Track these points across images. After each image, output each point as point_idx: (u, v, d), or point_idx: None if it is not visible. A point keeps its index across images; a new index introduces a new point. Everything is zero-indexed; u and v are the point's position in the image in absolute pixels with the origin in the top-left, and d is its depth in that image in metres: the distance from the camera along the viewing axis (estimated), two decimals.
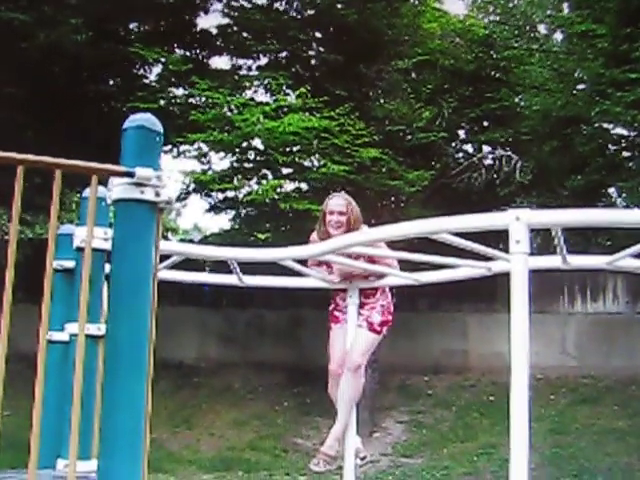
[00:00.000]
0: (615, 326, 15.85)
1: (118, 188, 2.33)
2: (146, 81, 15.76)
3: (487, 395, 14.82)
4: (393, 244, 4.05)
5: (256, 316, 16.53)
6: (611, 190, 17.66)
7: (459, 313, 15.97)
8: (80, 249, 3.37)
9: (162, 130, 2.43)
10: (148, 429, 2.39)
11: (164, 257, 3.72)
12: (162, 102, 14.06)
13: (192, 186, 15.00)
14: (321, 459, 5.74)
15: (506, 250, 3.82)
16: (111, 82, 15.99)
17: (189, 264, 4.93)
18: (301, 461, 12.99)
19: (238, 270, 4.66)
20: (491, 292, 14.16)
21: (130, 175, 2.30)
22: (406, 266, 5.21)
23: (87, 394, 2.69)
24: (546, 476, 11.52)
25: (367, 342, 5.80)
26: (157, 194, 2.35)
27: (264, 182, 14.11)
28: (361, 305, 5.65)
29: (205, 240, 16.33)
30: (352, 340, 5.56)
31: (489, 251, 3.75)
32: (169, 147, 15.25)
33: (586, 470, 12.33)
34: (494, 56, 16.88)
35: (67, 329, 3.41)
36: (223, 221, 34.06)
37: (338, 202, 5.74)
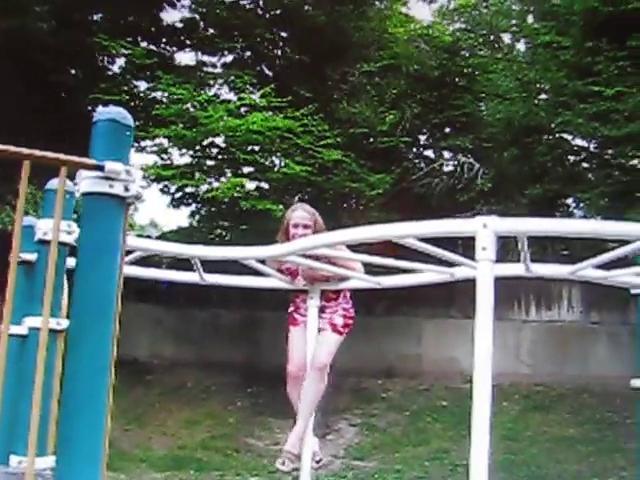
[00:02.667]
0: (569, 335, 16.02)
1: (87, 181, 2.29)
2: (109, 73, 15.64)
3: (440, 400, 14.89)
4: (355, 248, 4.04)
5: (212, 315, 16.45)
6: (569, 200, 17.83)
7: (415, 318, 16.02)
8: (42, 242, 3.32)
9: (132, 124, 2.40)
10: (109, 427, 2.36)
11: (126, 252, 3.69)
12: (125, 95, 13.92)
13: (151, 180, 14.89)
14: (286, 458, 5.73)
15: (466, 256, 3.84)
16: (74, 72, 15.81)
17: (145, 260, 4.88)
18: (253, 461, 12.95)
19: (200, 268, 4.62)
20: (448, 298, 14.26)
21: (100, 169, 2.26)
22: (366, 270, 5.20)
23: (44, 390, 2.64)
24: None
25: (332, 343, 5.79)
26: (126, 189, 2.32)
27: (224, 180, 14.06)
28: (322, 309, 5.62)
29: (163, 237, 16.21)
30: (316, 342, 5.52)
31: (454, 257, 3.76)
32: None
33: (537, 477, 12.44)
34: (459, 63, 16.99)
35: (26, 322, 3.35)
36: (181, 218, 33.91)
37: (302, 215, 5.58)
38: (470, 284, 3.06)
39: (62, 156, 2.25)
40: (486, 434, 2.83)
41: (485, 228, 2.96)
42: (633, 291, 4.93)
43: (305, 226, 5.44)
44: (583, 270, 4.28)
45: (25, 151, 2.20)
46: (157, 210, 51.16)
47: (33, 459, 2.28)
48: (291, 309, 6.08)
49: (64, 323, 3.20)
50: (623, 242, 3.85)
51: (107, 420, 2.35)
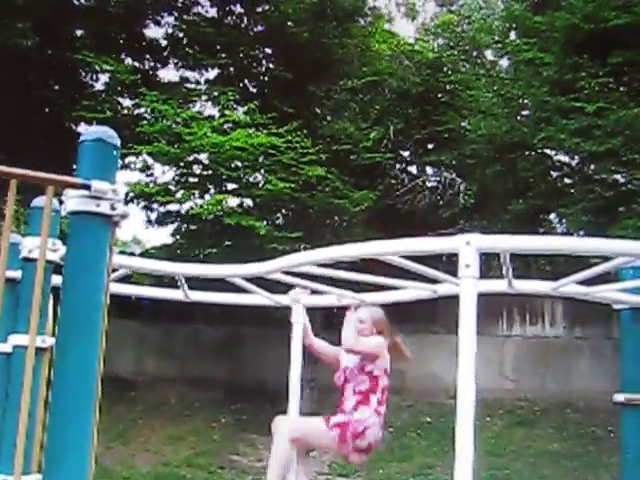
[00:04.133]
0: (552, 350, 16.07)
1: (73, 200, 2.30)
2: (93, 90, 15.64)
3: (424, 416, 14.89)
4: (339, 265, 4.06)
5: (195, 331, 16.41)
6: (552, 216, 17.91)
7: (397, 334, 16.01)
8: (27, 259, 3.32)
9: (119, 143, 2.42)
10: (95, 444, 2.37)
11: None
12: (108, 112, 13.92)
13: (133, 198, 14.86)
14: None
15: (449, 271, 3.87)
16: (57, 87, 15.79)
17: (129, 277, 4.88)
18: (237, 478, 12.91)
19: (185, 285, 4.62)
20: (430, 313, 14.28)
21: (86, 187, 2.28)
22: (349, 287, 5.22)
23: (29, 407, 2.63)
24: None
25: (314, 427, 5.79)
26: (112, 207, 2.33)
27: (208, 197, 14.06)
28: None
29: (146, 254, 16.16)
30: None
31: (437, 274, 3.78)
32: None
33: None
34: (441, 79, 17.07)
35: (11, 340, 3.34)
36: (163, 234, 33.74)
37: (361, 311, 5.78)
38: (452, 299, 3.09)
39: (49, 175, 2.27)
40: (470, 449, 2.85)
41: (468, 245, 2.99)
42: (615, 306, 4.97)
43: (361, 321, 5.71)
44: (565, 286, 4.31)
45: (12, 170, 2.21)
46: (140, 227, 50.94)
47: (19, 478, 2.28)
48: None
49: (49, 341, 3.21)
50: (606, 258, 3.90)
51: (94, 436, 2.36)
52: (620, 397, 4.89)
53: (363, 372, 5.87)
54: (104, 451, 13.27)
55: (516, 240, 3.22)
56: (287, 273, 4.34)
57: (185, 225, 15.14)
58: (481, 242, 3.02)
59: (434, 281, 4.37)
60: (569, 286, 4.36)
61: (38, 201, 3.19)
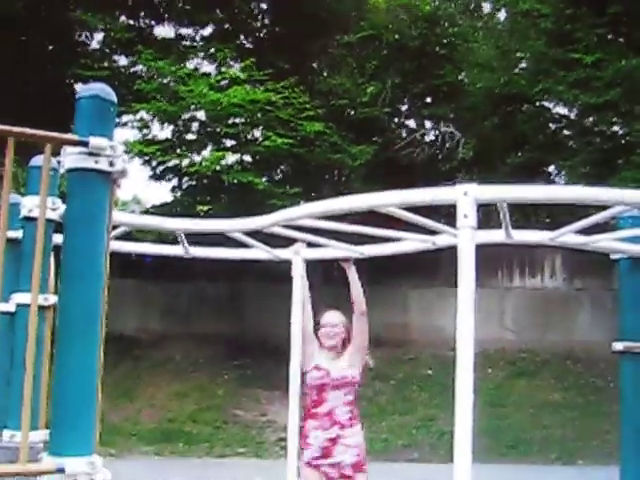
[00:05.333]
0: (552, 301, 16.14)
1: (71, 157, 2.30)
2: (89, 49, 15.53)
3: (426, 368, 15.00)
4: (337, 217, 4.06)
5: (197, 289, 16.47)
6: (550, 168, 17.89)
7: (400, 287, 16.09)
8: (27, 219, 3.33)
9: (116, 100, 2.41)
10: (100, 399, 2.40)
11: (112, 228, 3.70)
12: (105, 71, 13.84)
13: (132, 156, 14.83)
14: None
15: (447, 224, 3.88)
16: (51, 48, 15.67)
17: (129, 235, 4.88)
18: (241, 432, 13.05)
19: (185, 242, 4.64)
20: (432, 267, 14.31)
21: (84, 144, 2.28)
22: (349, 240, 5.23)
23: (35, 365, 2.66)
24: (483, 447, 11.73)
25: None
26: (111, 164, 2.33)
27: (206, 154, 14.04)
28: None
29: (146, 212, 16.19)
30: None
31: (435, 225, 3.79)
32: None
33: (522, 441, 12.61)
34: (439, 33, 16.95)
35: (13, 299, 3.36)
36: (163, 193, 33.69)
37: (331, 315, 5.90)
38: (454, 253, 3.10)
39: (47, 133, 2.26)
40: (470, 401, 2.88)
41: (466, 196, 2.99)
42: (613, 256, 4.98)
43: (333, 325, 5.79)
44: (564, 236, 4.32)
45: (9, 128, 2.21)
46: (139, 186, 50.85)
47: (27, 433, 2.32)
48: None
49: (52, 299, 3.22)
50: (604, 208, 3.90)
51: (98, 392, 2.39)
52: (619, 346, 4.92)
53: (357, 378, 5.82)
54: (110, 408, 13.39)
55: (514, 190, 3.22)
56: (286, 227, 4.34)
57: (184, 182, 15.13)
58: (479, 192, 3.03)
59: (433, 233, 4.37)
60: (567, 236, 4.36)
61: (36, 160, 3.19)
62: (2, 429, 3.25)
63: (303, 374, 5.59)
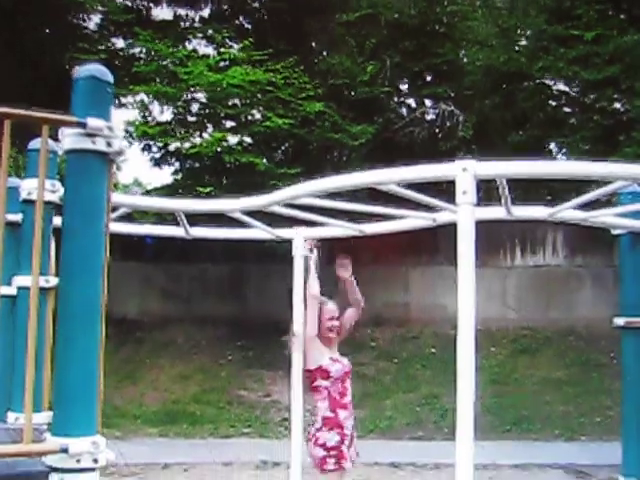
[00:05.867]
0: (554, 279, 16.16)
1: (69, 138, 2.31)
2: (86, 31, 15.46)
3: (429, 347, 15.04)
4: (337, 195, 4.05)
5: (199, 270, 16.49)
6: (552, 146, 17.86)
7: (401, 266, 16.11)
8: (27, 202, 3.33)
9: (112, 81, 2.41)
10: (102, 379, 2.41)
11: (111, 209, 3.71)
12: (103, 53, 13.79)
13: (134, 138, 14.82)
14: None
15: (448, 202, 3.88)
16: (48, 31, 15.59)
17: (130, 217, 4.88)
18: (245, 413, 13.10)
19: (185, 222, 4.64)
20: (433, 245, 14.33)
21: (81, 125, 2.28)
22: (350, 218, 5.23)
23: (37, 347, 2.67)
24: (487, 424, 11.78)
25: None
26: (109, 144, 2.33)
27: (207, 135, 14.02)
28: None
29: (147, 195, 16.18)
30: None
31: (434, 202, 3.79)
32: None
33: (525, 418, 12.65)
34: (438, 11, 16.87)
35: (15, 282, 3.37)
36: (164, 175, 33.68)
37: (334, 308, 5.88)
38: (454, 232, 3.09)
39: (43, 114, 2.26)
40: (472, 378, 2.89)
41: (465, 172, 2.99)
42: (614, 231, 4.99)
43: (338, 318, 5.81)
44: (564, 212, 4.32)
45: (6, 110, 2.21)
46: (141, 169, 50.86)
47: (30, 413, 2.33)
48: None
49: (53, 281, 3.23)
50: (605, 184, 3.89)
51: (100, 373, 2.40)
52: (620, 321, 4.93)
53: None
54: (114, 391, 13.43)
55: (513, 165, 3.22)
56: (287, 206, 4.34)
57: (185, 164, 15.12)
58: (478, 168, 3.03)
59: (433, 210, 4.37)
60: (567, 212, 4.36)
61: (35, 143, 3.19)
62: (6, 412, 3.28)
63: (319, 367, 5.62)
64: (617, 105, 15.39)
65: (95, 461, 2.26)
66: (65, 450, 2.22)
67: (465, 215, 2.92)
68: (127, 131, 14.67)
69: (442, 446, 10.29)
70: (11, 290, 3.44)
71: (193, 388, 14.07)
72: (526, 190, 15.51)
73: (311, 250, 5.47)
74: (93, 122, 2.28)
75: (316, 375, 5.62)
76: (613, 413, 11.10)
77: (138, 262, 16.22)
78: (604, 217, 4.58)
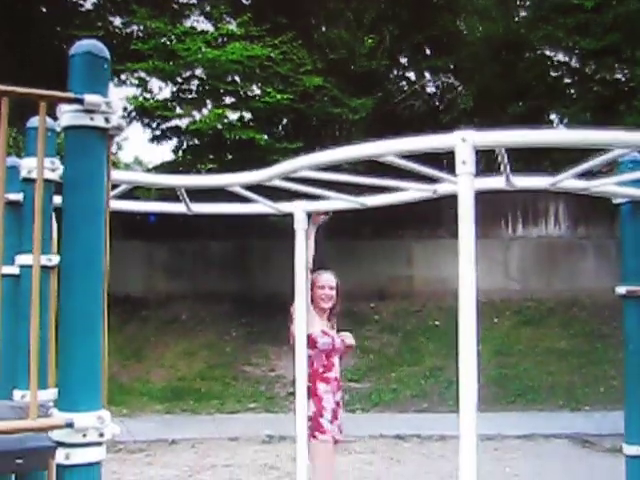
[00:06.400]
0: (556, 250, 16.18)
1: (67, 115, 2.30)
2: (82, 9, 15.39)
3: (432, 320, 15.09)
4: (338, 169, 4.04)
5: (202, 247, 16.53)
6: (552, 116, 17.81)
7: (403, 240, 16.13)
8: (27, 180, 3.33)
9: (109, 56, 2.40)
10: (106, 356, 2.42)
11: (112, 187, 3.71)
12: (100, 31, 13.73)
13: (133, 117, 14.80)
14: None
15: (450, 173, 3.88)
16: (44, 10, 15.51)
17: (131, 195, 4.89)
18: (251, 388, 13.17)
19: (186, 198, 4.63)
20: (435, 219, 14.34)
21: (79, 102, 2.27)
22: (351, 191, 5.22)
23: (41, 324, 2.69)
24: (491, 395, 11.85)
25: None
26: (107, 120, 2.32)
27: (206, 112, 13.99)
28: None
29: (148, 172, 16.17)
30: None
31: (435, 173, 3.79)
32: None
33: (530, 389, 12.72)
34: None
35: (17, 261, 3.38)
36: (165, 153, 33.65)
37: (329, 277, 6.04)
38: (456, 205, 3.09)
39: (40, 91, 2.26)
40: (473, 350, 2.89)
41: (464, 142, 2.99)
42: (615, 201, 4.97)
43: (331, 287, 5.95)
44: (564, 181, 4.30)
45: (3, 87, 2.20)
46: (141, 148, 50.83)
47: (36, 388, 2.35)
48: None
49: (55, 259, 3.24)
50: (605, 153, 3.88)
51: (104, 351, 2.41)
52: (622, 289, 4.93)
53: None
54: (120, 369, 13.51)
55: (512, 135, 3.22)
56: (288, 180, 4.34)
57: (186, 141, 15.10)
58: (477, 138, 3.02)
59: (434, 181, 4.36)
60: (568, 181, 4.35)
61: (33, 121, 3.18)
62: (12, 390, 3.30)
63: (308, 335, 5.59)
64: (618, 75, 15.34)
65: (101, 435, 2.27)
66: (71, 425, 2.23)
67: (465, 185, 2.92)
68: (126, 109, 14.65)
69: (447, 418, 10.32)
70: (14, 269, 3.45)
71: (198, 364, 14.14)
72: (527, 162, 15.47)
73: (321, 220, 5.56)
74: (90, 98, 2.27)
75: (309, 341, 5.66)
76: (617, 383, 11.14)
77: (142, 241, 16.27)
78: (605, 186, 4.57)
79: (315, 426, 5.70)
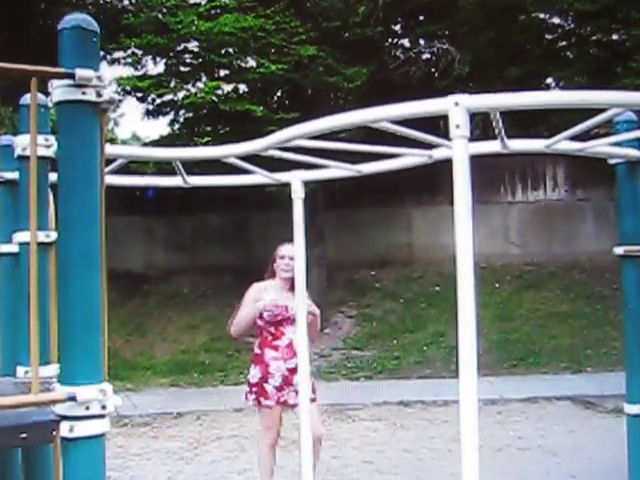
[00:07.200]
0: (556, 213, 16.20)
1: (58, 90, 2.30)
2: None
3: (433, 286, 15.12)
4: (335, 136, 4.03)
5: (201, 221, 16.54)
6: (548, 80, 17.73)
7: (402, 207, 16.14)
8: (22, 158, 3.33)
9: (98, 29, 2.39)
10: (106, 329, 2.43)
11: (108, 162, 3.71)
12: (91, 7, 13.66)
13: (127, 91, 14.73)
14: None
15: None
16: None
17: (128, 170, 4.89)
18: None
19: (182, 171, 4.63)
20: (433, 185, 14.33)
21: (70, 76, 2.27)
22: (347, 159, 5.21)
23: (41, 301, 2.70)
24: (494, 360, 11.91)
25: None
26: (99, 94, 2.32)
27: (201, 85, 13.94)
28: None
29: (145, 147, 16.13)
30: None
31: (430, 138, 3.79)
32: (102, 54, 14.90)
33: (531, 353, 12.78)
34: None
35: (15, 238, 3.39)
36: (161, 128, 33.58)
37: (290, 248, 6.00)
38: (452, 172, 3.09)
39: (31, 67, 2.25)
40: (472, 315, 2.91)
41: (457, 106, 2.99)
42: (611, 161, 4.98)
43: (291, 257, 5.88)
44: (559, 143, 4.31)
45: None
46: (138, 124, 50.70)
47: (37, 363, 2.36)
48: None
49: (53, 235, 3.24)
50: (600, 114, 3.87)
51: (104, 324, 2.42)
52: (619, 250, 4.96)
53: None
54: (123, 344, 13.58)
55: (505, 98, 3.21)
56: (284, 150, 4.34)
57: (181, 115, 15.06)
58: (470, 102, 3.02)
59: (429, 147, 4.37)
60: (563, 143, 4.35)
61: (26, 98, 3.17)
62: (15, 366, 3.32)
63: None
64: (614, 36, 15.24)
65: (103, 407, 2.29)
66: (73, 398, 2.25)
67: (459, 148, 2.91)
68: (120, 84, 14.58)
69: (450, 383, 10.40)
70: (13, 247, 3.46)
71: (202, 337, 14.20)
72: (525, 127, 15.46)
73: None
74: (82, 72, 2.27)
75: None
76: (618, 344, 11.19)
77: (141, 216, 16.29)
78: (600, 147, 4.58)
79: (257, 391, 6.12)
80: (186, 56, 14.28)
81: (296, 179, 4.89)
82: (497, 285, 14.86)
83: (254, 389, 6.18)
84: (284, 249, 6.38)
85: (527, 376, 12.04)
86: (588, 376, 11.85)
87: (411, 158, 4.72)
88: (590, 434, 8.87)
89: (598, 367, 12.04)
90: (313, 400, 5.98)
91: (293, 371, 5.93)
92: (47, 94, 2.41)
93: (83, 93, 2.30)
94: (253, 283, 6.57)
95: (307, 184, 5.07)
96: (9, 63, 2.27)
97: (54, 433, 2.30)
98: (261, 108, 13.25)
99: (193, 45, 13.97)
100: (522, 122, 14.57)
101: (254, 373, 6.21)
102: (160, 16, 13.64)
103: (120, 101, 15.25)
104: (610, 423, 8.96)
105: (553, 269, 15.50)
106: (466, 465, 2.84)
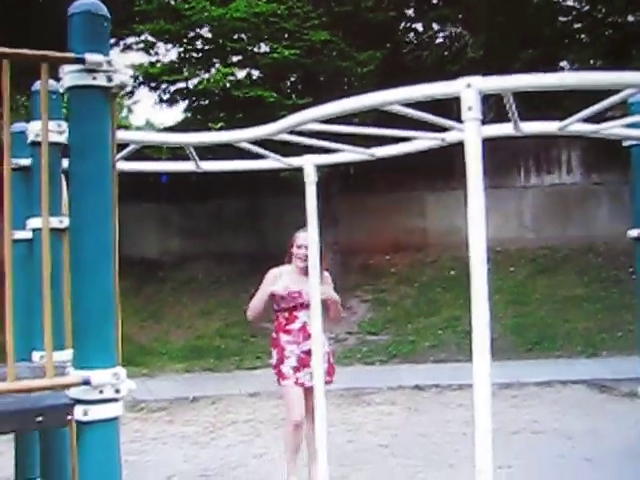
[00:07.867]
0: (570, 197, 16.12)
1: (69, 76, 2.30)
2: None
3: (448, 270, 15.10)
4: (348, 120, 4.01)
5: (215, 207, 16.55)
6: (563, 63, 17.63)
7: (416, 192, 16.10)
8: (35, 144, 3.34)
9: (108, 14, 2.39)
10: (119, 315, 2.45)
11: (120, 147, 3.72)
12: None
13: (141, 80, 14.74)
14: None
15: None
16: None
17: (141, 156, 4.89)
18: (269, 344, 13.25)
19: (195, 156, 4.64)
20: (447, 170, 14.26)
21: (81, 61, 2.27)
22: (361, 144, 5.20)
23: (55, 286, 2.72)
24: (508, 344, 11.89)
25: None
26: (109, 79, 2.33)
27: (214, 71, 13.92)
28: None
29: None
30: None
31: (442, 121, 3.78)
32: (114, 40, 14.90)
33: (546, 337, 12.74)
34: None
35: (29, 224, 3.40)
36: (175, 114, 33.60)
37: (306, 236, 5.83)
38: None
39: (41, 52, 2.26)
40: (485, 300, 2.91)
41: (469, 88, 2.97)
42: (625, 143, 4.96)
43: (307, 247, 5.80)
44: (573, 125, 4.28)
45: (3, 50, 2.20)
46: (152, 111, 50.78)
47: (51, 350, 2.38)
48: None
49: (66, 221, 3.25)
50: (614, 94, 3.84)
51: (117, 309, 2.44)
52: (634, 232, 4.94)
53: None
54: (138, 330, 13.63)
55: (518, 79, 3.18)
56: (297, 134, 4.33)
57: (195, 102, 15.05)
58: (482, 83, 3.00)
59: (442, 130, 4.35)
60: (577, 125, 4.32)
61: (37, 84, 3.18)
62: (31, 351, 3.34)
63: (272, 294, 6.38)
64: (629, 17, 15.12)
65: (117, 391, 2.31)
66: (87, 382, 2.27)
67: (471, 131, 2.90)
68: (133, 73, 14.57)
69: (465, 367, 10.40)
70: (27, 234, 3.48)
71: (216, 323, 14.24)
72: (539, 110, 15.36)
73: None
74: (92, 57, 2.27)
75: (273, 298, 6.42)
76: (633, 328, 11.15)
77: (155, 203, 16.33)
78: (614, 129, 4.55)
79: (277, 373, 6.37)
80: (198, 42, 14.26)
81: (309, 163, 4.89)
82: (512, 269, 14.82)
83: (274, 371, 6.41)
84: (301, 238, 6.35)
85: (542, 360, 12.01)
86: (603, 360, 11.82)
87: (424, 141, 4.71)
88: (605, 418, 8.84)
89: (613, 351, 12.00)
90: (329, 382, 6.12)
91: (308, 353, 5.98)
92: (58, 79, 2.42)
93: (94, 78, 2.30)
94: (270, 269, 6.56)
95: (321, 169, 5.06)
96: (22, 49, 2.27)
97: (69, 417, 2.32)
98: (274, 94, 13.23)
99: (205, 31, 13.95)
100: (535, 106, 14.49)
101: (273, 356, 6.43)
102: (172, 2, 13.62)
103: (133, 88, 15.24)
104: (625, 407, 8.93)
105: (568, 253, 15.44)
106: (479, 448, 2.84)
